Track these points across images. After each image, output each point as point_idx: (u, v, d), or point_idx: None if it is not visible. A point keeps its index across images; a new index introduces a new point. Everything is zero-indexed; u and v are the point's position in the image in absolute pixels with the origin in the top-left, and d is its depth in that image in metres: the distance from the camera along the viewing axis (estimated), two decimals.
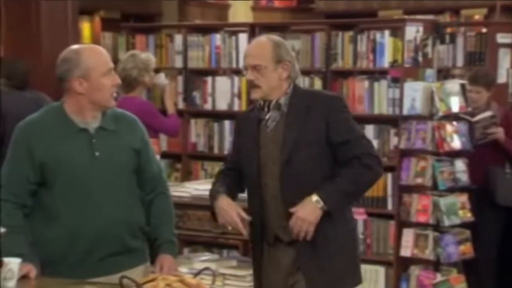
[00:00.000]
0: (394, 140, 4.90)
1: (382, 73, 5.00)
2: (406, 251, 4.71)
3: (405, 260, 4.82)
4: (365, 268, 4.97)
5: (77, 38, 5.18)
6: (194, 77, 5.61)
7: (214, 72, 5.56)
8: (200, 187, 4.16)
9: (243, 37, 5.40)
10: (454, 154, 4.73)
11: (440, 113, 4.65)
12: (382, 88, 4.96)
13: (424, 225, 4.72)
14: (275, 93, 2.88)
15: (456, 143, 4.68)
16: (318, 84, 5.18)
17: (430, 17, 5.37)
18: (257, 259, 2.99)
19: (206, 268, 2.67)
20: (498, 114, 5.06)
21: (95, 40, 6.25)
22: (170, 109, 4.98)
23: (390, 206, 4.93)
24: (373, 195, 4.97)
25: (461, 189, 4.73)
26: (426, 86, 4.72)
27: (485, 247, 4.92)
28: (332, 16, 6.04)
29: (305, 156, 2.82)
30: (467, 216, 4.71)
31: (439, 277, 4.66)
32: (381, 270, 4.93)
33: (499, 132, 4.99)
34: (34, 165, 2.77)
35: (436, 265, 4.70)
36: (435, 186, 4.67)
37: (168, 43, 5.69)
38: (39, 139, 2.78)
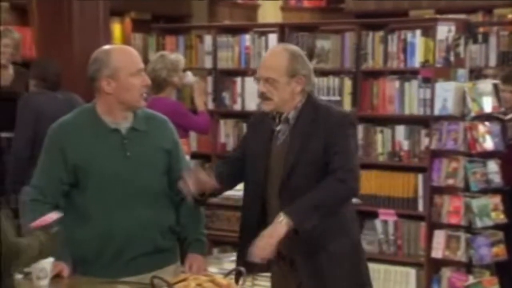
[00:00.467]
0: (425, 141, 4.86)
1: (413, 73, 4.95)
2: (437, 252, 4.67)
3: (436, 262, 4.77)
4: (395, 270, 4.95)
5: (108, 39, 5.20)
6: (223, 78, 5.61)
7: (243, 73, 5.56)
8: None
9: (272, 38, 5.39)
10: (487, 155, 4.67)
11: (472, 114, 4.60)
12: (413, 88, 4.92)
13: (456, 227, 4.67)
14: (287, 106, 2.80)
15: (489, 143, 4.63)
16: (348, 84, 5.15)
17: (462, 16, 5.32)
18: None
19: (237, 269, 2.66)
20: None
21: (126, 41, 6.29)
22: (200, 106, 4.97)
23: (421, 207, 4.89)
24: (404, 196, 4.93)
25: (494, 190, 4.68)
26: (458, 86, 4.67)
27: None
28: (362, 16, 6.01)
29: (304, 174, 2.74)
30: (500, 217, 4.65)
31: (471, 279, 4.60)
32: (411, 272, 4.89)
33: None
34: (67, 166, 2.79)
35: (468, 267, 4.65)
36: (467, 187, 4.62)
37: (197, 43, 5.70)
38: (72, 140, 2.80)
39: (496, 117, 4.77)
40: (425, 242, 4.81)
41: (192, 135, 5.32)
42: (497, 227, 4.69)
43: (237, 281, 2.60)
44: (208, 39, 5.63)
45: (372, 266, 4.96)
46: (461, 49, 4.85)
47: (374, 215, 5.04)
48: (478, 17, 6.67)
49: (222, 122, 5.63)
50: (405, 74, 4.99)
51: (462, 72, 4.82)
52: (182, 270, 2.89)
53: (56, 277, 2.67)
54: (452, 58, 4.84)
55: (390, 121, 5.04)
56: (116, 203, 2.78)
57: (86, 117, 2.85)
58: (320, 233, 2.73)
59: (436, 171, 4.73)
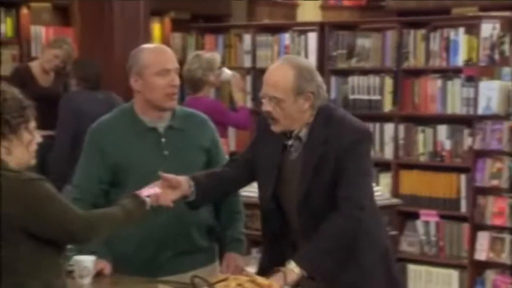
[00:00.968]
0: (468, 141, 4.80)
1: (456, 71, 4.90)
2: (481, 254, 4.62)
3: (480, 264, 4.71)
4: (437, 272, 4.89)
5: (148, 39, 5.22)
6: (262, 77, 5.54)
7: None
8: None
9: (312, 36, 5.37)
10: None
11: None
12: (455, 87, 4.86)
13: (500, 228, 4.59)
14: (296, 124, 2.62)
15: None
16: (388, 83, 5.10)
17: (507, 13, 5.21)
18: None
19: (278, 269, 2.61)
20: None
21: (165, 41, 6.31)
22: (239, 101, 4.93)
23: (463, 208, 4.83)
24: (446, 197, 4.87)
25: None
26: (503, 85, 4.61)
27: None
28: (403, 14, 5.93)
29: (321, 196, 2.60)
30: None
31: None
32: (454, 273, 4.82)
33: None
34: (106, 165, 2.80)
35: None
36: (511, 188, 4.53)
37: (237, 43, 5.69)
38: (111, 140, 2.81)
39: None
40: (468, 244, 4.75)
41: (231, 135, 5.30)
42: None
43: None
44: (247, 38, 5.62)
45: (413, 268, 4.97)
46: (505, 47, 4.77)
47: (416, 215, 4.98)
48: None
49: None
50: (448, 73, 4.93)
51: (507, 70, 4.74)
52: (221, 270, 2.88)
53: (98, 275, 2.68)
54: (496, 57, 4.76)
55: (431, 121, 4.99)
56: None
57: (124, 116, 2.86)
58: (350, 249, 2.62)
59: (480, 172, 4.67)
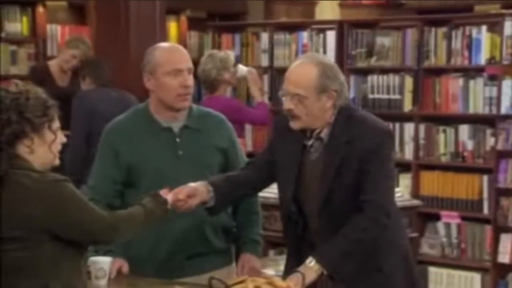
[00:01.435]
0: (490, 141, 4.74)
1: (478, 70, 4.83)
2: (504, 257, 4.57)
3: (503, 267, 4.65)
4: (459, 274, 4.81)
5: (165, 38, 5.21)
6: (280, 76, 5.52)
7: None
8: None
9: (331, 35, 5.30)
10: None
11: None
12: (478, 86, 4.79)
13: None
14: (318, 123, 2.57)
15: None
16: (409, 82, 5.04)
17: None
18: None
19: (295, 271, 2.56)
20: None
21: (181, 39, 6.27)
22: (257, 97, 4.87)
23: (486, 210, 4.75)
24: (468, 198, 4.80)
25: None
26: None
27: None
28: (424, 12, 5.85)
29: (342, 197, 2.56)
30: None
31: None
32: (476, 276, 4.75)
33: None
34: (120, 166, 2.78)
35: None
36: None
37: (254, 41, 5.65)
38: (125, 140, 2.79)
39: None
40: (490, 246, 4.68)
41: (248, 135, 5.25)
42: None
43: None
44: (264, 36, 5.57)
45: (435, 270, 4.90)
46: None
47: (437, 217, 4.91)
48: None
49: None
50: (470, 72, 4.87)
51: None
52: (236, 271, 2.85)
53: (116, 275, 2.67)
54: None
55: (453, 120, 4.92)
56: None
57: (139, 116, 2.84)
58: (370, 252, 2.56)
59: (503, 173, 4.63)
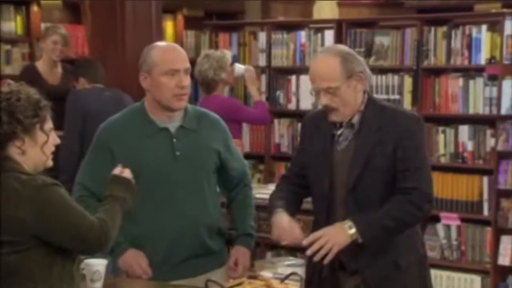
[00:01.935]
0: (490, 142, 4.70)
1: (478, 70, 4.79)
2: (504, 259, 4.53)
3: (503, 269, 4.61)
4: (459, 277, 4.77)
5: (161, 37, 5.17)
6: (278, 76, 5.48)
7: (298, 71, 5.42)
8: None
9: (329, 34, 5.25)
10: None
11: None
12: (478, 86, 4.74)
13: None
14: (352, 109, 2.64)
15: None
16: (408, 82, 4.99)
17: None
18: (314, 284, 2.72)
19: (293, 273, 2.60)
20: None
21: (178, 38, 6.24)
22: (255, 96, 4.84)
23: (486, 212, 4.71)
24: (468, 199, 4.76)
25: None
26: None
27: None
28: (423, 11, 5.82)
29: (371, 184, 2.60)
30: None
31: None
32: (476, 279, 4.71)
33: None
34: (115, 166, 2.71)
35: None
36: None
37: (251, 41, 5.60)
38: (120, 140, 2.77)
39: None
40: (490, 248, 4.64)
41: (245, 135, 5.20)
42: None
43: None
44: (262, 36, 5.53)
45: (434, 273, 4.84)
46: None
47: (436, 219, 4.86)
48: None
49: (276, 121, 5.50)
50: (470, 72, 4.82)
51: None
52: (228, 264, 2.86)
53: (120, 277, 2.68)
54: None
55: (453, 121, 4.88)
56: (165, 203, 2.75)
57: (134, 116, 2.82)
58: (389, 246, 2.62)
59: (503, 174, 4.58)
